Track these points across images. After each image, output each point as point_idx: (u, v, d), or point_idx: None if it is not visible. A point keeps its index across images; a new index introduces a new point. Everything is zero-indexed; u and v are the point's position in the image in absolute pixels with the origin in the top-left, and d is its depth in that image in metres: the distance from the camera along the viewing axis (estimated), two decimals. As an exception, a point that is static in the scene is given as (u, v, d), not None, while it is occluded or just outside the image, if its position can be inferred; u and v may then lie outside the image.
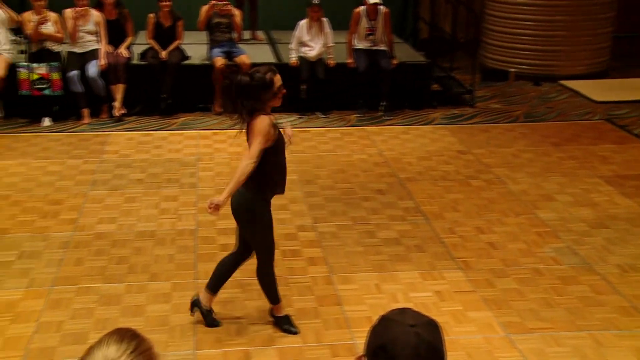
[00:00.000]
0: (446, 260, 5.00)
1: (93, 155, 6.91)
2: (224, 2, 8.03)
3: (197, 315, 4.16)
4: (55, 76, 7.63)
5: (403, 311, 1.71)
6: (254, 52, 8.46)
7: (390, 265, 4.91)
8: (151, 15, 8.10)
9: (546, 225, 5.55)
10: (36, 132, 7.51)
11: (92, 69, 7.72)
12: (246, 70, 4.34)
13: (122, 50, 7.96)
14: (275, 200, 5.94)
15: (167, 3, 8.01)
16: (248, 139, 3.77)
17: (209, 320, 4.13)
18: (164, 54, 7.97)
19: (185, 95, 8.24)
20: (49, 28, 7.72)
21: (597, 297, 4.54)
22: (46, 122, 7.74)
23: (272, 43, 9.39)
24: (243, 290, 4.52)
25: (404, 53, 8.93)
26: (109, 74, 7.82)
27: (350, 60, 8.34)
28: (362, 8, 8.31)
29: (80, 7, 7.71)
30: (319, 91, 8.27)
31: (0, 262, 4.81)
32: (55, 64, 7.66)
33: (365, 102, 8.35)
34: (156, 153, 6.96)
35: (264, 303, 4.36)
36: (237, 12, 8.22)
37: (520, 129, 7.98)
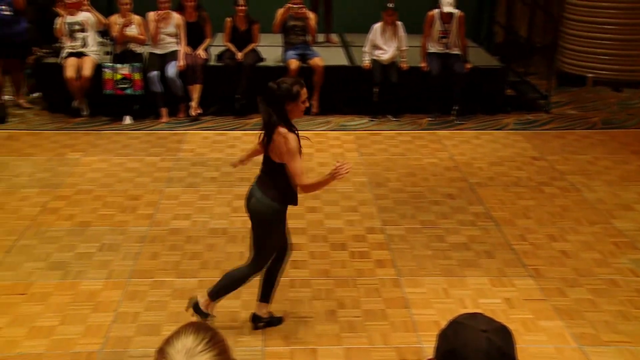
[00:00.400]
0: (516, 267, 4.92)
1: (170, 153, 7.14)
2: (299, 5, 8.15)
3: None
4: (137, 76, 7.93)
5: (474, 316, 1.67)
6: (327, 55, 8.55)
7: (459, 270, 4.88)
8: (228, 19, 8.31)
9: (623, 236, 5.39)
10: (118, 130, 7.82)
11: (171, 69, 7.99)
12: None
13: (200, 52, 8.20)
14: (346, 202, 5.97)
15: (242, 8, 8.19)
16: (266, 145, 3.77)
17: (275, 322, 4.22)
18: (239, 55, 8.15)
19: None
20: (132, 30, 8.04)
21: (675, 312, 4.39)
22: (127, 120, 8.06)
23: (346, 46, 9.45)
24: (311, 289, 4.60)
25: (478, 57, 8.83)
26: (187, 74, 8.06)
27: (423, 64, 8.32)
28: (436, 11, 8.27)
29: (162, 9, 8.00)
30: (391, 94, 8.28)
31: (83, 254, 5.05)
32: (137, 64, 7.96)
33: (437, 106, 8.31)
34: (230, 152, 7.11)
35: (330, 302, 4.42)
36: (311, 15, 8.33)
37: (598, 136, 7.76)
